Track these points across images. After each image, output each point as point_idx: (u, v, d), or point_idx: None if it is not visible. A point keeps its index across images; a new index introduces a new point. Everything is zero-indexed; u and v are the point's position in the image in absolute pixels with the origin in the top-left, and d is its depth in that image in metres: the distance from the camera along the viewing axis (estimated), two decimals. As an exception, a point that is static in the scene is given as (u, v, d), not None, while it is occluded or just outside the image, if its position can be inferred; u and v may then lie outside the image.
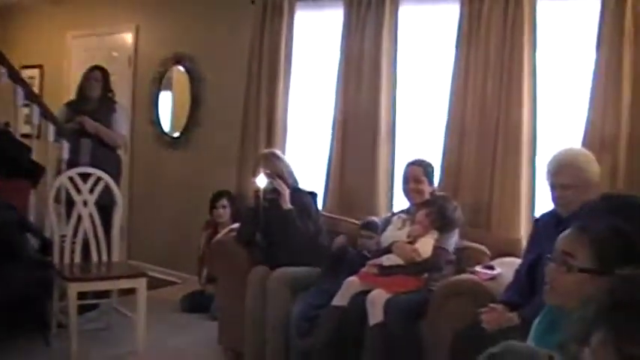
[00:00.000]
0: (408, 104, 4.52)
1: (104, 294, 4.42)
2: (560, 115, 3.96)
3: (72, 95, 5.31)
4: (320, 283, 3.66)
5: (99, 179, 4.30)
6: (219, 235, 4.60)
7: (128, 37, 6.34)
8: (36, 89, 6.36)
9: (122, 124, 5.16)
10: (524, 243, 3.56)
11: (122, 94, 5.78)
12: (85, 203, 4.25)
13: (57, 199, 4.35)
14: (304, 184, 4.21)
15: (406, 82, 4.50)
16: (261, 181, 3.88)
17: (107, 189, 4.33)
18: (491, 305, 2.81)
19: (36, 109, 4.66)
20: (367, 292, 3.35)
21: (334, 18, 4.73)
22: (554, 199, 2.94)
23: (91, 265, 4.24)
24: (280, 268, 3.75)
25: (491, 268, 3.28)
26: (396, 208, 4.18)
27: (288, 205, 3.87)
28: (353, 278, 3.48)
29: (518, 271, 2.99)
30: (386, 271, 3.45)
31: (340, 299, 3.42)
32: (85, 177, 4.29)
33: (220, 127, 5.55)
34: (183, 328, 4.58)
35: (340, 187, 4.64)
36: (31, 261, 4.07)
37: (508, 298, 2.86)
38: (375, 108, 4.46)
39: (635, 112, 3.57)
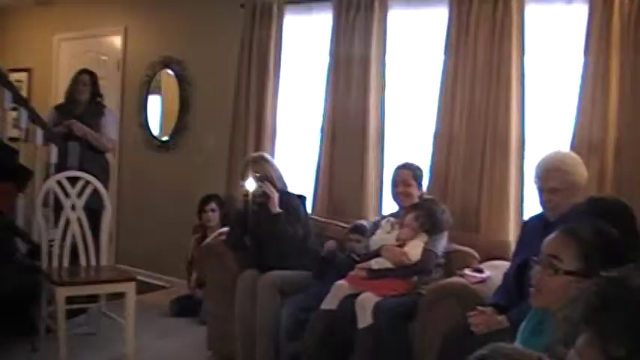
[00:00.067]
0: (397, 108, 4.54)
1: (93, 298, 4.40)
2: (548, 118, 3.98)
3: (60, 99, 5.31)
4: (309, 287, 3.66)
5: (87, 183, 4.28)
6: (208, 239, 4.59)
7: (116, 41, 6.33)
8: (24, 93, 6.33)
9: (111, 127, 5.15)
10: (512, 246, 3.57)
11: (111, 98, 5.78)
12: (74, 207, 4.22)
13: (45, 203, 4.32)
14: (293, 188, 4.21)
15: (395, 85, 4.51)
16: (250, 184, 3.88)
17: (95, 193, 4.31)
18: (480, 308, 2.82)
19: (24, 113, 4.64)
20: (356, 295, 3.35)
21: (323, 22, 4.74)
22: (541, 203, 2.96)
23: (79, 270, 4.21)
24: (269, 271, 3.75)
25: (480, 271, 3.29)
26: (385, 212, 4.20)
27: (277, 208, 3.87)
28: (342, 282, 3.48)
29: (506, 274, 3.00)
30: (375, 274, 3.45)
31: (329, 303, 3.43)
32: (73, 181, 4.27)
33: (209, 130, 5.54)
34: (172, 332, 4.56)
35: (329, 191, 4.65)
36: (19, 265, 4.04)
37: (497, 301, 2.87)
38: (364, 111, 4.47)
39: (622, 116, 3.60)
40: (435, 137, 4.21)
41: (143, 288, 4.98)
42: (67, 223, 4.21)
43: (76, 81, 5.05)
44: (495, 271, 3.25)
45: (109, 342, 4.22)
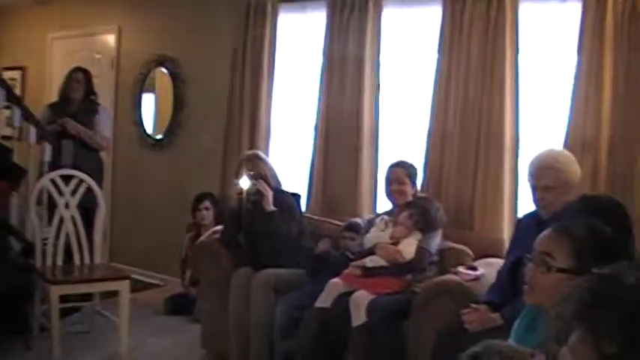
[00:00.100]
0: (391, 106, 4.54)
1: (87, 297, 4.39)
2: (542, 116, 3.99)
3: (54, 97, 5.29)
4: (303, 285, 3.66)
5: (81, 181, 4.27)
6: (202, 237, 4.58)
7: (110, 39, 6.32)
8: (18, 91, 6.32)
9: (105, 125, 5.13)
10: (506, 244, 3.58)
11: (105, 96, 5.76)
12: (67, 205, 4.21)
13: (39, 202, 4.32)
14: (287, 186, 4.21)
15: (389, 84, 4.52)
16: (245, 182, 3.88)
17: (89, 191, 4.30)
18: (474, 306, 2.83)
19: (17, 111, 4.62)
20: (350, 293, 3.35)
21: (317, 21, 4.74)
22: (535, 201, 2.96)
23: (73, 268, 4.20)
24: (263, 269, 3.74)
25: (474, 268, 3.30)
26: (379, 210, 4.20)
27: (271, 206, 3.86)
28: (336, 280, 3.48)
29: (500, 272, 3.01)
30: (369, 272, 3.45)
31: (324, 301, 3.43)
32: (67, 179, 4.26)
33: (203, 129, 5.54)
34: (166, 330, 4.56)
35: (323, 189, 4.65)
36: (13, 264, 4.03)
37: (491, 299, 2.88)
38: (358, 110, 4.47)
39: (615, 114, 3.61)
40: (429, 135, 4.22)
41: (137, 286, 4.97)
42: (61, 221, 4.20)
43: (69, 79, 5.03)
44: (489, 268, 3.26)
45: (102, 340, 4.22)
